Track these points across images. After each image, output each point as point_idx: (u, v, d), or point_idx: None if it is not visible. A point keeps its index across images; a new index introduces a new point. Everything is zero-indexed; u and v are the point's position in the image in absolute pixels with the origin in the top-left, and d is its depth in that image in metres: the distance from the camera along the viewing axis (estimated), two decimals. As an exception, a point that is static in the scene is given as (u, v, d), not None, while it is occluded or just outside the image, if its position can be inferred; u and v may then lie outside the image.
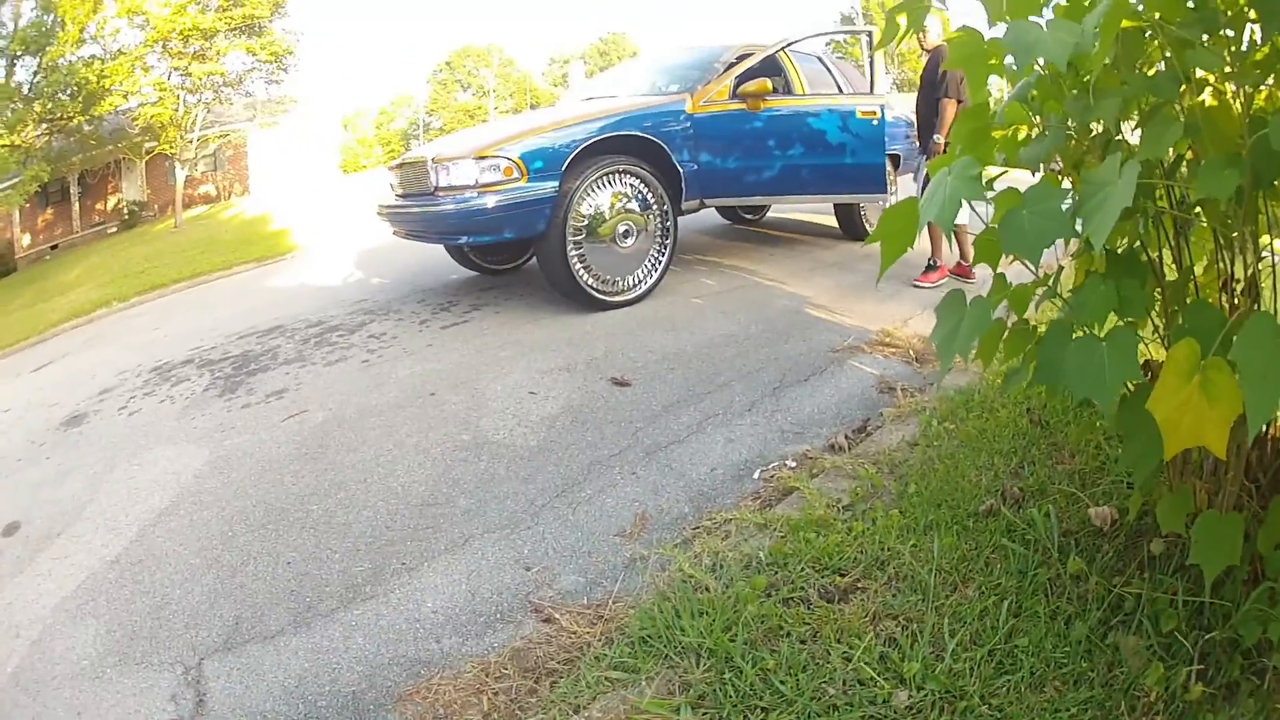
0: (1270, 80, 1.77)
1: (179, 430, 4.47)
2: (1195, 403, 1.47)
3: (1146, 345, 2.14)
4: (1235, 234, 1.85)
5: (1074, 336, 1.77)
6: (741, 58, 6.96)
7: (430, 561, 2.86)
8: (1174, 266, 2.11)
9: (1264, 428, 1.83)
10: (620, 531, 2.94)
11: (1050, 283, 2.00)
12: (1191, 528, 1.80)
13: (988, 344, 2.01)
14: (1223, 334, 1.47)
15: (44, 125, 25.73)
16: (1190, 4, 1.66)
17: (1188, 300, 2.05)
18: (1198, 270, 2.14)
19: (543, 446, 3.63)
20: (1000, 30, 1.89)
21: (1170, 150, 1.75)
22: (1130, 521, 2.38)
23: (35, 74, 25.01)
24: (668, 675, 2.05)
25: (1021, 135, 2.23)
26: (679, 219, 6.36)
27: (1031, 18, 1.77)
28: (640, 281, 6.01)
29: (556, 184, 5.47)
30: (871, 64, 7.21)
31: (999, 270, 1.98)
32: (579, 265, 5.64)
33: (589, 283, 5.70)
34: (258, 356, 5.70)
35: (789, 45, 7.18)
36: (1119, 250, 1.97)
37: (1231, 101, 1.72)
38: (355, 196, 24.24)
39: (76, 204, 32.00)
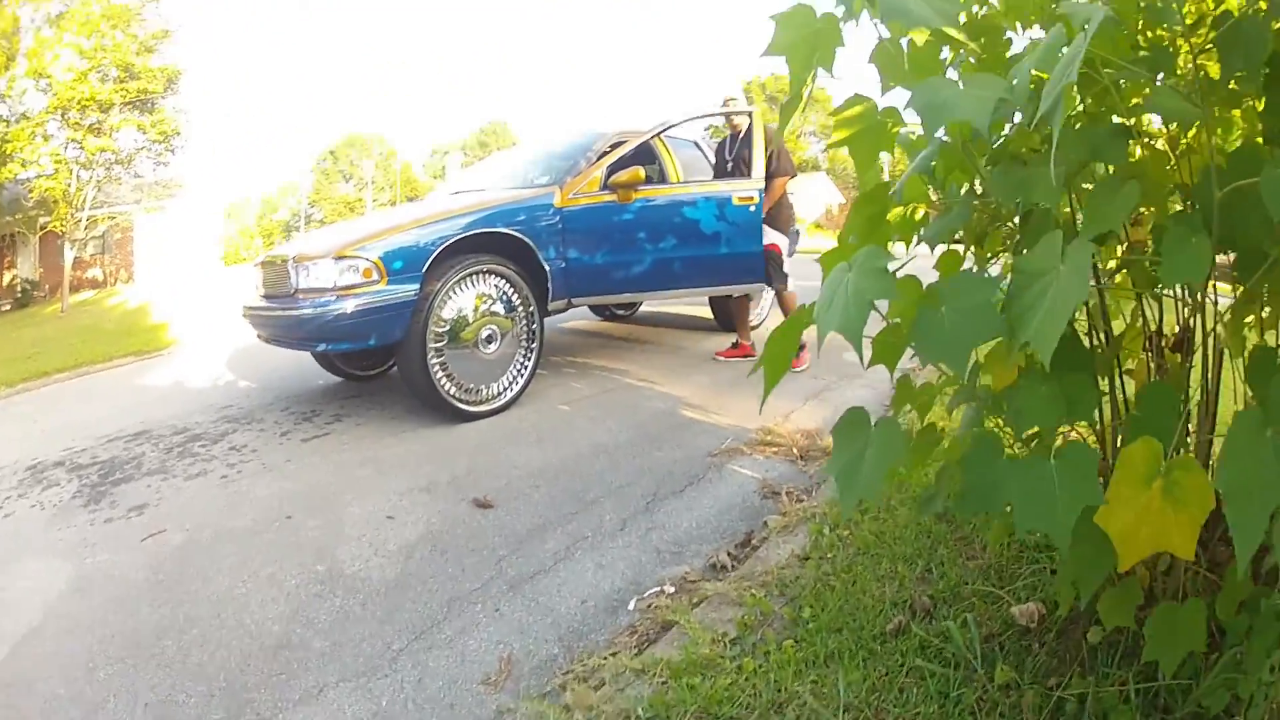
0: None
1: (47, 542, 4.16)
2: (1157, 509, 1.32)
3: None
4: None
5: (1005, 452, 1.53)
6: (615, 145, 6.82)
7: (285, 712, 2.56)
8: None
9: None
10: (484, 679, 2.60)
11: (969, 388, 1.76)
12: (1146, 623, 1.63)
13: (914, 464, 1.78)
14: (1228, 439, 1.24)
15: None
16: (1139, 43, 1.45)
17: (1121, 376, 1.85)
18: (1116, 327, 1.98)
19: (400, 580, 3.32)
20: (893, 98, 1.70)
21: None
22: (1062, 615, 2.15)
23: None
24: None
25: (919, 215, 2.01)
26: (545, 320, 6.11)
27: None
28: (505, 389, 5.73)
29: (417, 287, 5.21)
30: (750, 148, 7.03)
31: (896, 374, 1.73)
32: (440, 373, 5.35)
33: (451, 391, 5.41)
34: (123, 464, 5.35)
35: (664, 130, 7.04)
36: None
37: (1170, 149, 1.52)
38: (234, 291, 24.02)
39: (-32, 278, 31.43)
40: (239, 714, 2.58)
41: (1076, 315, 1.84)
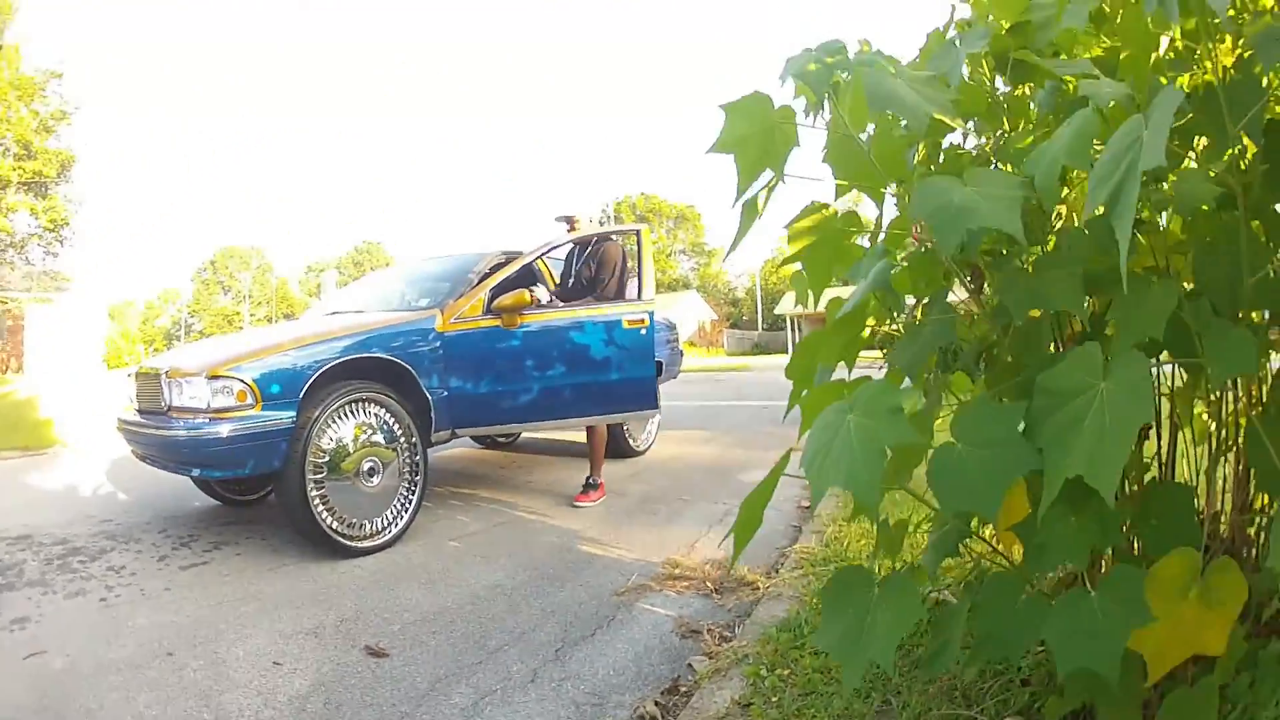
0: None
1: None
2: (1193, 617, 1.25)
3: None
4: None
5: (1023, 594, 1.33)
6: (497, 267, 6.67)
7: None
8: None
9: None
10: None
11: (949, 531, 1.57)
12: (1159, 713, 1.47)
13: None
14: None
15: None
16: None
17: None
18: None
19: None
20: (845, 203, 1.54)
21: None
22: None
23: None
24: None
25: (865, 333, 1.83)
26: (429, 450, 5.85)
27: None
28: (390, 523, 5.41)
29: (294, 413, 4.98)
30: (640, 266, 6.92)
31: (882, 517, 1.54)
32: (321, 506, 5.04)
33: (333, 525, 5.09)
34: (5, 569, 5.11)
35: (550, 250, 6.92)
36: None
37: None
38: (115, 395, 23.43)
39: None
40: None
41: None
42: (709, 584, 4.34)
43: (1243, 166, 1.44)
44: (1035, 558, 1.39)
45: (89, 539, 5.86)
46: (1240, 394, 1.65)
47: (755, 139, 1.48)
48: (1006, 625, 1.36)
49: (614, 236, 7.05)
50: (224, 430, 4.79)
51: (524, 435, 10.13)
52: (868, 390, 1.29)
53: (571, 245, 7.30)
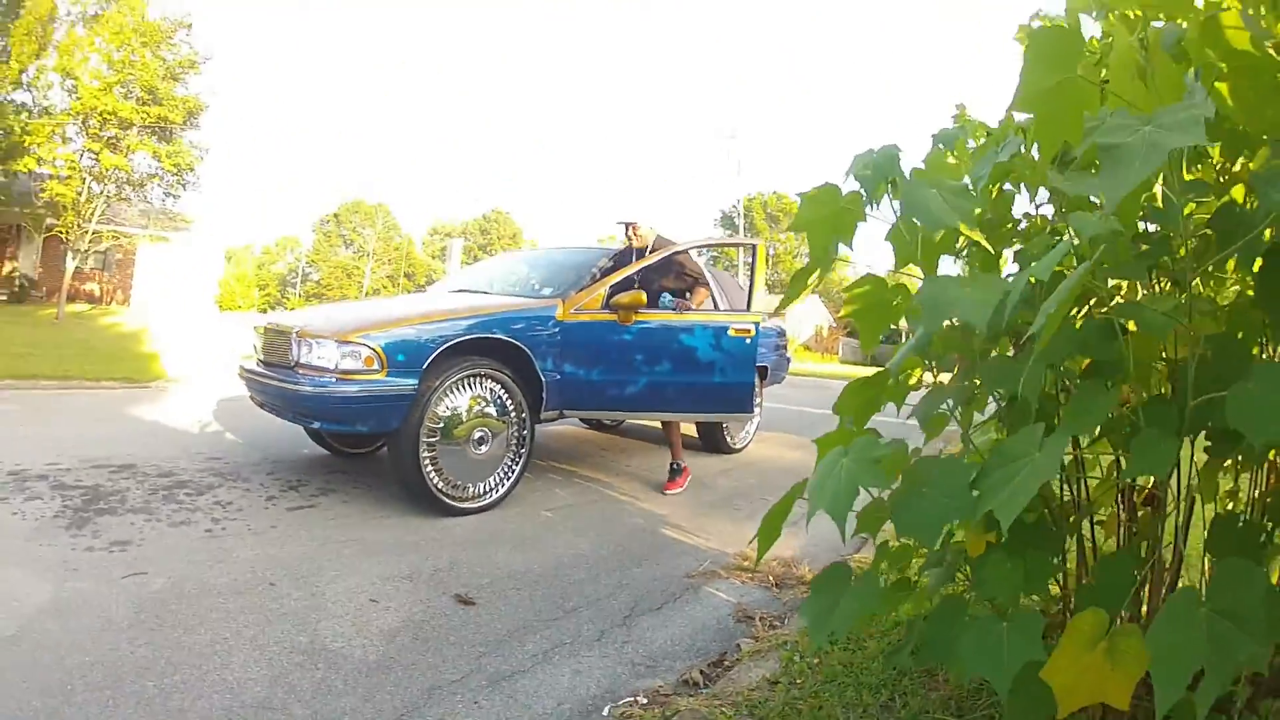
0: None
1: (26, 553, 4.24)
2: (1098, 667, 1.46)
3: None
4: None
5: (966, 614, 1.70)
6: (618, 264, 7.05)
7: None
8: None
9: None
10: None
11: (940, 553, 1.94)
12: None
13: (881, 613, 1.94)
14: (1132, 591, 1.49)
15: (-40, 159, 25.45)
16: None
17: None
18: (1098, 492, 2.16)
19: (382, 662, 3.39)
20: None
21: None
22: None
23: (-33, 101, 24.67)
24: None
25: (913, 381, 2.19)
26: (536, 426, 6.25)
27: (945, 261, 1.74)
28: (492, 489, 5.83)
29: (417, 381, 5.35)
30: (751, 279, 7.32)
31: (881, 540, 1.91)
32: (430, 467, 5.46)
33: (439, 486, 5.51)
34: (107, 495, 5.42)
35: (671, 254, 7.21)
36: (1028, 520, 1.91)
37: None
38: (228, 339, 23.89)
39: (-27, 258, 31.67)
40: None
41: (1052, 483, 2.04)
42: (772, 578, 4.67)
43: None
44: (978, 586, 1.76)
45: (195, 473, 6.27)
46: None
47: (826, 221, 1.86)
48: (946, 635, 1.72)
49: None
50: (349, 390, 5.20)
51: (628, 421, 10.52)
52: (859, 444, 1.69)
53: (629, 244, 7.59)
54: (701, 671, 3.44)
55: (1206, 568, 1.87)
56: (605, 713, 3.10)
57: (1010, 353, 1.98)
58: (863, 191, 1.84)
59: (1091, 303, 1.79)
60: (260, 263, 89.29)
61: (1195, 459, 2.02)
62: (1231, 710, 1.77)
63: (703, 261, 8.62)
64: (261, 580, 4.18)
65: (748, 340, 6.80)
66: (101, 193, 27.44)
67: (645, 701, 3.17)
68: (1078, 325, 1.75)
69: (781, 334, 9.92)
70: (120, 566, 4.19)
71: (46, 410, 9.09)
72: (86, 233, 27.58)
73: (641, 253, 7.29)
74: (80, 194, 26.52)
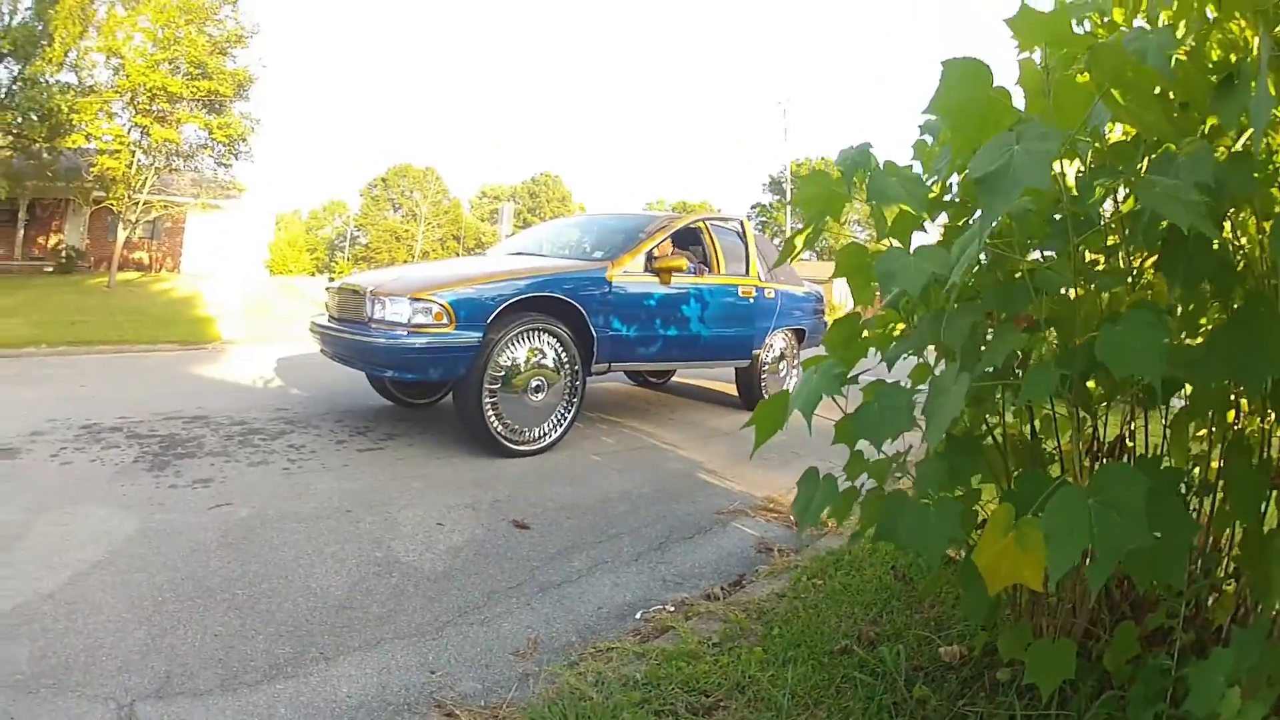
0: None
1: (109, 493, 4.65)
2: (1012, 552, 1.79)
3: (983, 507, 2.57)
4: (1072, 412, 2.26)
5: (910, 503, 2.17)
6: (663, 228, 7.80)
7: (346, 655, 3.07)
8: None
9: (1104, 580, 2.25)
10: (515, 651, 3.20)
11: (901, 459, 2.43)
12: (1027, 654, 2.14)
13: (841, 509, 2.39)
14: (1040, 500, 1.77)
15: (9, 138, 25.96)
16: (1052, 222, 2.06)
17: (1018, 469, 2.47)
18: (1063, 440, 2.54)
19: (448, 572, 3.90)
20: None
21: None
22: (977, 656, 2.72)
23: (14, 81, 25.16)
24: (554, 763, 2.33)
25: (899, 331, 2.64)
26: (588, 379, 6.76)
27: (917, 234, 2.19)
28: (546, 434, 6.36)
29: (481, 334, 5.85)
30: (745, 249, 8.68)
31: (855, 448, 2.37)
32: (491, 413, 5.98)
33: (499, 429, 6.03)
34: (184, 441, 5.92)
35: (699, 221, 8.55)
36: (956, 432, 2.37)
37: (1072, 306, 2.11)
38: (281, 302, 24.49)
39: (21, 231, 32.28)
40: (304, 651, 3.08)
41: (1018, 419, 2.52)
42: (793, 518, 5.06)
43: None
44: (918, 482, 2.20)
45: (267, 422, 6.80)
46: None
47: (816, 200, 2.31)
48: (893, 520, 2.16)
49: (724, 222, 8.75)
50: (419, 342, 5.71)
51: (672, 380, 11.09)
52: (825, 364, 2.20)
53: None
54: (722, 588, 3.94)
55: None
56: (638, 615, 3.62)
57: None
58: (844, 179, 2.30)
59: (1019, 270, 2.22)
60: (308, 227, 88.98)
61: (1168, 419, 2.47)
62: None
63: (753, 227, 9.24)
64: (338, 508, 4.68)
65: (751, 300, 8.21)
66: (151, 164, 27.86)
67: (672, 609, 3.67)
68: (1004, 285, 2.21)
69: (820, 299, 10.31)
70: (205, 500, 4.67)
71: (107, 372, 9.60)
72: (137, 204, 28.10)
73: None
74: (130, 167, 26.96)
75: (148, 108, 26.72)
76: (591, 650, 3.18)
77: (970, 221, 2.29)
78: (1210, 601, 2.42)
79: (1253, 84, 1.63)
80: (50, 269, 32.10)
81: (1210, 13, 1.90)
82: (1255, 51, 1.70)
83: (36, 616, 3.18)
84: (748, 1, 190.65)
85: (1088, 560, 1.94)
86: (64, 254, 32.81)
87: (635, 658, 3.05)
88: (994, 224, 1.72)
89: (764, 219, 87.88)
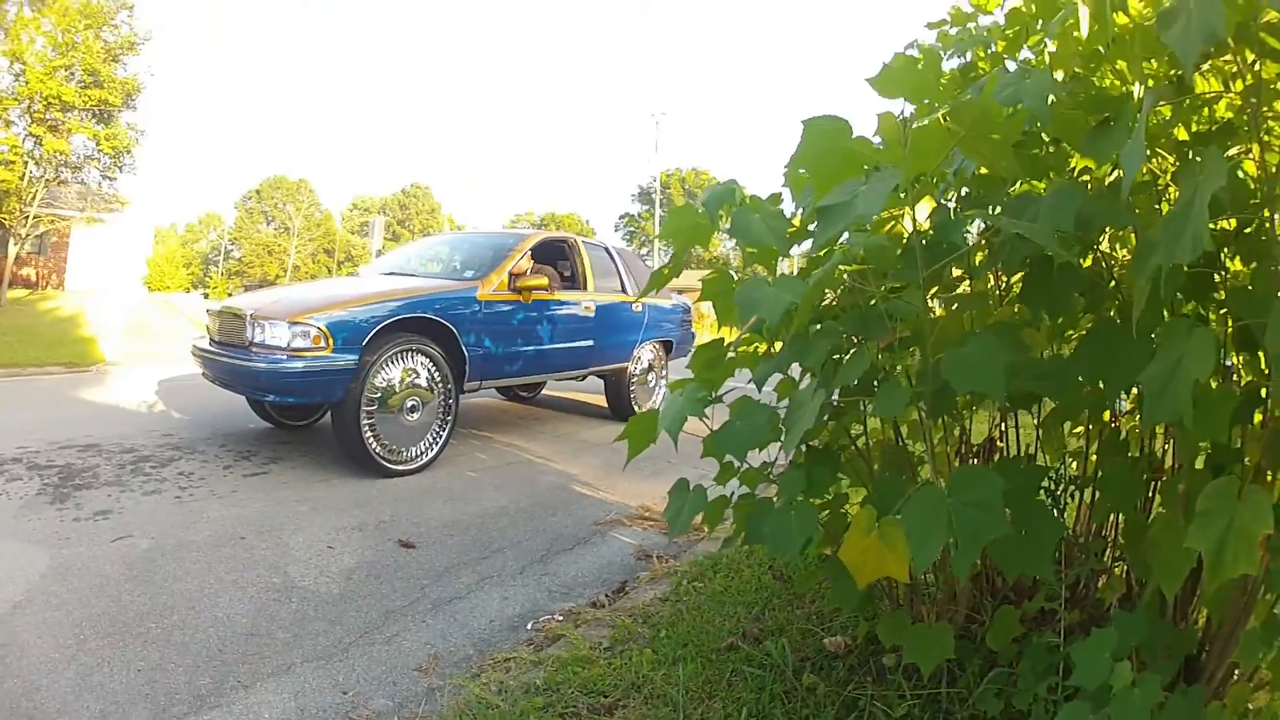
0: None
1: (18, 528, 4.63)
2: (876, 548, 1.97)
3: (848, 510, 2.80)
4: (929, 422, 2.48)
5: (773, 509, 2.38)
6: (535, 246, 8.19)
7: (262, 681, 3.16)
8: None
9: (977, 563, 2.49)
10: (418, 666, 3.34)
11: (768, 470, 2.66)
12: (907, 638, 2.36)
13: (713, 515, 2.61)
14: (901, 503, 1.95)
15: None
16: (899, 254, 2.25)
17: (886, 472, 2.70)
18: (936, 441, 2.72)
19: (344, 594, 4.01)
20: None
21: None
22: (860, 645, 2.96)
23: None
24: (469, 770, 2.49)
25: (763, 350, 2.84)
26: (461, 396, 6.91)
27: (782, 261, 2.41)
28: (423, 453, 6.49)
29: (357, 356, 5.95)
30: (616, 266, 9.57)
31: (724, 460, 2.57)
32: (369, 433, 6.08)
33: (377, 450, 6.14)
34: (80, 472, 5.85)
35: (562, 240, 9.13)
36: (818, 443, 2.60)
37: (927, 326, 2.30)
38: (160, 320, 23.79)
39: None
40: (223, 681, 3.15)
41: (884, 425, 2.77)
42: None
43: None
44: (781, 489, 2.42)
45: (155, 449, 6.72)
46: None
47: (685, 231, 2.51)
48: (758, 524, 2.37)
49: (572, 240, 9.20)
50: (299, 365, 5.76)
51: (542, 393, 11.26)
52: (691, 387, 2.41)
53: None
54: (607, 595, 4.15)
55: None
56: (529, 626, 3.79)
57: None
58: (709, 214, 2.50)
59: (875, 298, 2.43)
60: (184, 240, 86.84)
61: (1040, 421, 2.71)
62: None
63: (618, 239, 9.60)
64: (232, 535, 4.73)
65: (591, 314, 8.73)
66: (42, 176, 26.92)
67: (561, 617, 3.85)
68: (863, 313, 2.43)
69: (687, 309, 10.65)
70: (107, 533, 4.65)
71: (2, 397, 9.41)
72: (28, 218, 27.07)
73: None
74: (23, 179, 26.05)
75: (43, 116, 25.86)
76: (490, 661, 3.34)
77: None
78: (1100, 583, 2.67)
79: (1131, 127, 1.79)
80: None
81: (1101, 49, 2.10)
82: (1137, 97, 1.91)
83: (-31, 666, 3.18)
84: (620, 14, 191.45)
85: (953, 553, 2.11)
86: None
87: (532, 665, 3.22)
88: (834, 258, 1.93)
89: (632, 229, 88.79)
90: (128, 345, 16.45)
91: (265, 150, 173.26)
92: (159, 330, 20.93)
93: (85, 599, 3.81)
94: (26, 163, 26.39)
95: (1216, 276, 2.07)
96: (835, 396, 2.31)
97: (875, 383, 2.45)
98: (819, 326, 2.40)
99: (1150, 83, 1.94)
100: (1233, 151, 2.01)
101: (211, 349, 6.61)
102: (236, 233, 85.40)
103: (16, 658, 3.24)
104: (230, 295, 34.23)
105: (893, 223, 2.58)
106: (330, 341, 5.86)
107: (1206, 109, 2.11)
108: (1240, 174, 1.95)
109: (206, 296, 55.13)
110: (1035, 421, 2.74)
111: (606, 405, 9.79)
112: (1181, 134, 2.10)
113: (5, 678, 3.08)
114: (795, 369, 2.55)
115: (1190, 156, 1.91)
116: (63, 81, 25.74)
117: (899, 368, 2.51)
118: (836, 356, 2.36)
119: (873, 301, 2.30)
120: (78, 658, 3.27)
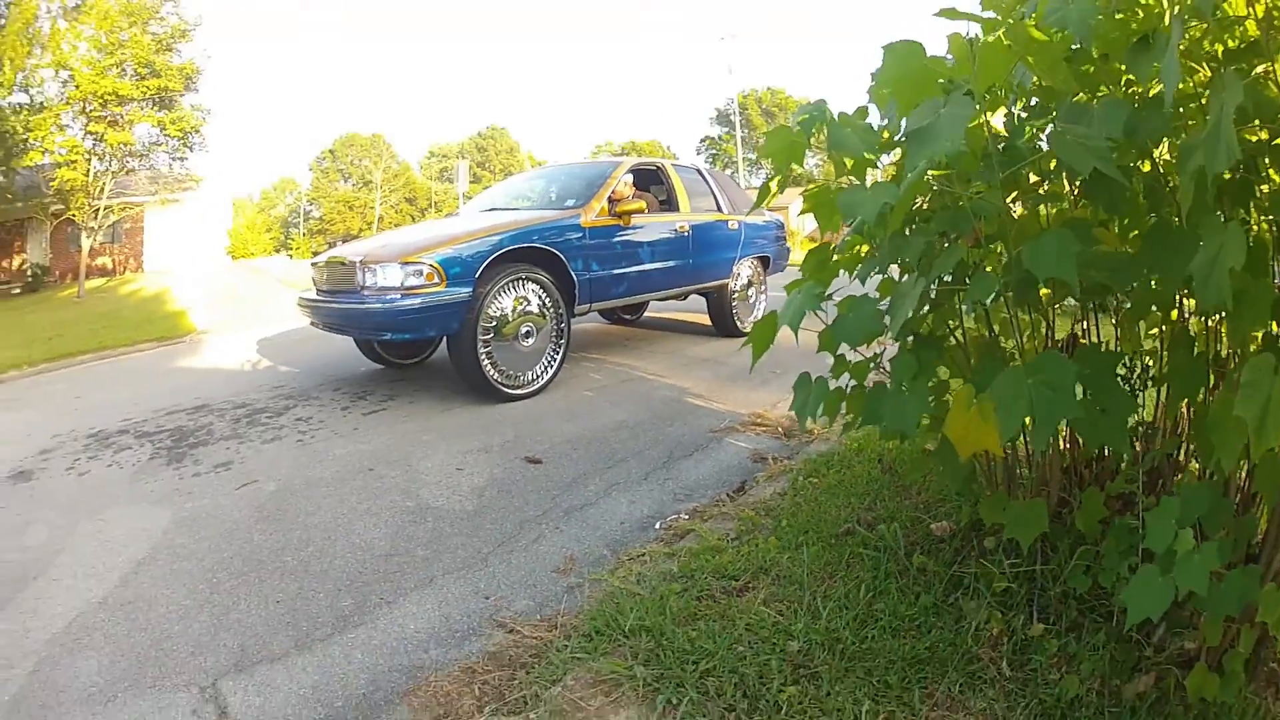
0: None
1: (134, 493, 4.87)
2: (975, 423, 2.14)
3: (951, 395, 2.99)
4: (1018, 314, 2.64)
5: (888, 392, 2.58)
6: (629, 171, 8.37)
7: (404, 596, 3.38)
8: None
9: (1065, 453, 2.67)
10: (556, 568, 3.59)
11: (877, 359, 2.86)
12: (1006, 516, 2.52)
13: (830, 406, 2.80)
14: (995, 382, 2.08)
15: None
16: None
17: (977, 360, 2.86)
18: (1025, 337, 2.87)
19: (478, 510, 4.25)
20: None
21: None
22: (964, 528, 3.14)
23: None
24: (619, 649, 2.72)
25: (864, 252, 3.02)
26: (572, 320, 7.14)
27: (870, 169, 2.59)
28: (539, 376, 6.75)
29: (470, 289, 6.16)
30: (708, 185, 9.65)
31: (839, 352, 2.78)
32: (487, 361, 6.33)
33: (495, 377, 6.40)
34: (193, 432, 6.08)
35: (658, 164, 9.06)
36: (922, 332, 2.78)
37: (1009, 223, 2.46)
38: (247, 285, 24.54)
39: (-17, 258, 31.01)
40: (365, 600, 3.36)
41: (979, 323, 2.94)
42: (780, 430, 5.56)
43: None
44: (892, 374, 2.57)
45: (268, 400, 7.01)
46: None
47: (781, 151, 2.67)
48: (876, 408, 2.55)
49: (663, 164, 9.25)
50: (414, 302, 5.99)
51: (645, 315, 11.51)
52: (806, 286, 2.60)
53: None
54: (728, 494, 4.38)
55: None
56: (658, 525, 4.04)
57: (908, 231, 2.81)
58: (804, 132, 2.67)
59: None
60: (260, 208, 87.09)
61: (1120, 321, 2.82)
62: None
63: (701, 162, 9.71)
64: (360, 468, 4.99)
65: (687, 233, 8.78)
66: (108, 169, 27.52)
67: (687, 516, 4.10)
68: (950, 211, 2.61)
69: (780, 226, 10.76)
70: (230, 481, 4.93)
71: (95, 380, 9.71)
72: (98, 210, 27.74)
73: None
74: (88, 175, 26.64)
75: (100, 114, 26.26)
76: (625, 558, 3.59)
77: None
78: (1177, 478, 2.76)
79: (1165, 45, 1.87)
80: (18, 290, 31.58)
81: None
82: (1169, 18, 1.99)
83: (95, 625, 3.30)
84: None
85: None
86: (29, 273, 32.45)
87: (666, 558, 3.46)
88: (920, 166, 2.11)
89: (714, 151, 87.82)
90: (218, 313, 16.80)
91: (333, 110, 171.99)
92: (247, 295, 21.40)
93: (215, 545, 4.00)
94: (89, 159, 26.90)
95: (1260, 187, 2.15)
96: (934, 288, 2.46)
97: (966, 278, 2.59)
98: (913, 227, 2.58)
99: (1177, 8, 2.06)
100: (1260, 70, 2.12)
101: (320, 297, 6.87)
102: (314, 193, 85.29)
103: (144, 612, 3.38)
104: (315, 253, 34.47)
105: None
106: (444, 277, 6.07)
107: (1237, 27, 2.21)
108: (1276, 89, 2.05)
109: (290, 258, 56.10)
110: (1113, 322, 2.85)
111: (710, 323, 9.91)
112: (1219, 49, 2.20)
113: (132, 633, 3.22)
114: (894, 272, 2.73)
115: (1220, 72, 2.01)
116: (116, 78, 26.05)
117: (986, 264, 2.69)
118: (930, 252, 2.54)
119: (960, 202, 2.47)
120: (212, 599, 3.44)
